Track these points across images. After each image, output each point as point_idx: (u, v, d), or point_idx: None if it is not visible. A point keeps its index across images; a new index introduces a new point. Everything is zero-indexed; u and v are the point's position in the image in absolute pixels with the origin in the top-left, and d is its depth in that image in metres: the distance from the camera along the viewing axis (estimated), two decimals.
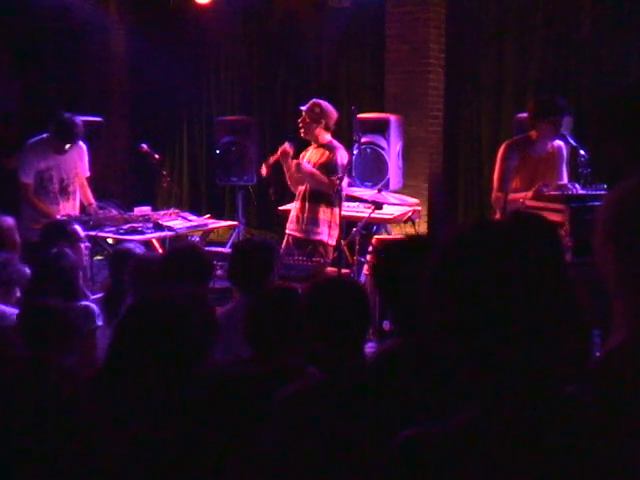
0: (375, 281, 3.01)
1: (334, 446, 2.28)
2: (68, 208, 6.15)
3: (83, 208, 6.39)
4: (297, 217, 6.11)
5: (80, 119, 6.09)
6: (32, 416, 1.31)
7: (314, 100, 6.13)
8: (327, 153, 6.02)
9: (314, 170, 5.97)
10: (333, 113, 6.10)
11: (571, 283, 1.25)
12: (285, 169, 6.13)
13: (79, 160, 6.25)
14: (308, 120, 6.05)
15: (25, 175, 5.98)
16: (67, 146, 5.98)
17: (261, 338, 2.87)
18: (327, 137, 6.09)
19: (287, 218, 6.34)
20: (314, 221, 6.03)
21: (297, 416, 2.36)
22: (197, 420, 2.28)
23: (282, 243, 6.15)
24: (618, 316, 1.58)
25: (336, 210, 5.92)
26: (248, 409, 2.50)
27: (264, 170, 6.24)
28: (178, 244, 5.76)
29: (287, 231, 6.20)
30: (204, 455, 2.20)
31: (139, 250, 4.60)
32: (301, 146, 6.24)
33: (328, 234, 6.01)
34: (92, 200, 6.40)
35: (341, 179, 5.74)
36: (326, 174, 5.93)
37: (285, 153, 6.04)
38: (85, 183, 6.38)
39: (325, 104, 6.10)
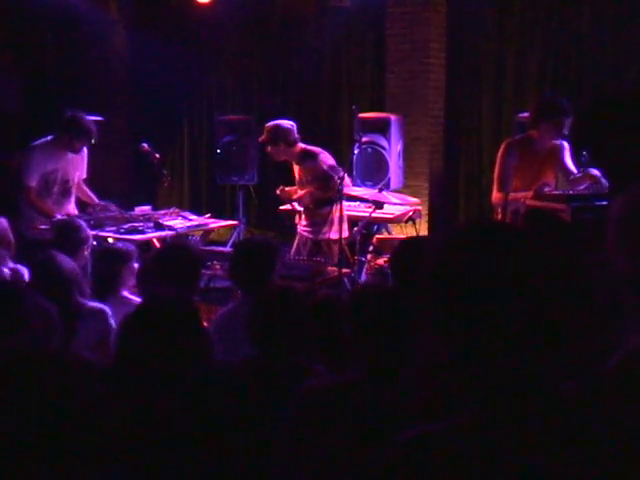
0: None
1: (356, 443, 2.28)
2: (70, 209, 6.23)
3: (82, 208, 6.44)
4: (306, 219, 6.18)
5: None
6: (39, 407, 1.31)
7: (265, 126, 6.14)
8: (310, 166, 6.03)
9: (308, 194, 6.03)
10: (288, 128, 6.06)
11: (577, 284, 1.25)
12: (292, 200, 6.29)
13: (81, 162, 6.34)
14: (269, 148, 6.09)
15: (30, 178, 5.99)
16: (92, 142, 6.12)
17: (266, 337, 2.87)
18: (297, 149, 6.07)
19: (287, 217, 6.39)
20: (320, 222, 6.08)
21: (320, 411, 2.35)
22: (203, 420, 2.28)
23: (295, 240, 6.24)
24: (633, 322, 1.58)
25: (337, 204, 5.97)
26: (256, 408, 2.49)
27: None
28: (167, 242, 5.78)
29: (300, 228, 6.23)
30: (210, 456, 2.20)
31: (124, 247, 4.56)
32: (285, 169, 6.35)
33: (335, 231, 6.04)
34: (95, 199, 6.46)
35: (341, 178, 5.73)
36: (324, 183, 5.96)
37: (284, 197, 6.21)
38: (82, 184, 6.43)
39: (276, 124, 6.08)
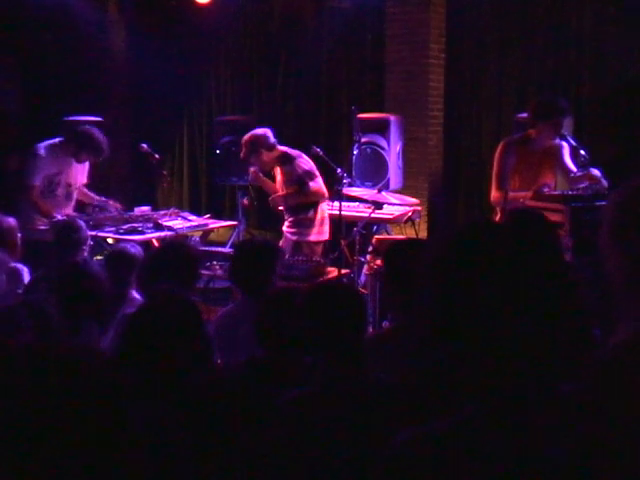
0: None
1: (332, 452, 2.28)
2: (70, 212, 6.27)
3: (82, 209, 6.49)
4: (290, 220, 6.28)
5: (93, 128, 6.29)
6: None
7: (242, 140, 6.26)
8: (288, 169, 6.13)
9: (285, 195, 6.14)
10: (262, 134, 6.19)
11: (570, 281, 1.26)
12: (264, 187, 6.48)
13: (82, 167, 6.42)
14: (253, 160, 6.21)
15: (34, 177, 6.05)
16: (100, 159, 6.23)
17: (273, 338, 2.87)
18: (277, 152, 6.18)
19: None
20: (303, 224, 6.18)
21: (297, 421, 2.36)
22: (206, 420, 2.28)
23: (280, 241, 6.27)
24: (624, 316, 1.58)
25: (321, 206, 6.17)
26: (260, 408, 2.50)
27: (245, 202, 6.48)
28: (165, 242, 5.79)
29: (284, 229, 6.31)
30: (212, 455, 2.20)
31: (135, 250, 4.58)
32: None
33: (315, 233, 6.15)
34: (95, 198, 6.55)
35: (317, 183, 5.92)
36: (297, 187, 6.07)
37: (254, 179, 6.36)
38: (83, 187, 6.51)
39: (250, 135, 6.21)
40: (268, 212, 8.51)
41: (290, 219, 6.24)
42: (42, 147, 6.15)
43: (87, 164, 6.44)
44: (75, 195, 6.36)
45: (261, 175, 6.32)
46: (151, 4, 9.92)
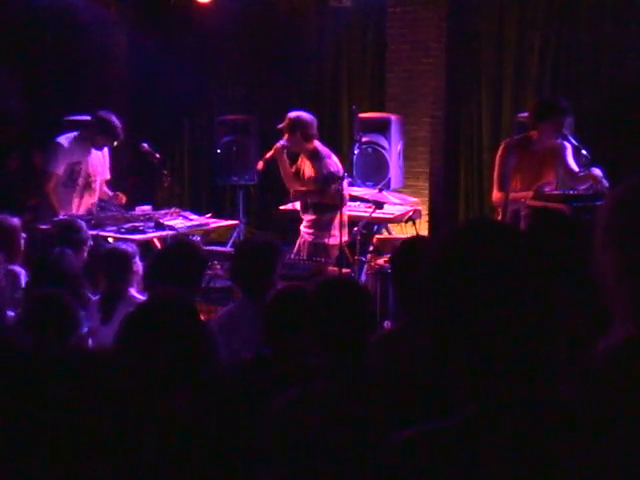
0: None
1: (331, 453, 2.28)
2: (90, 204, 6.45)
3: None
4: (307, 223, 6.20)
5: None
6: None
7: (288, 114, 6.15)
8: (316, 165, 6.03)
9: (307, 192, 6.06)
10: (309, 121, 6.08)
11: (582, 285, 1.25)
12: (280, 166, 6.24)
13: (103, 161, 6.58)
14: (287, 135, 6.08)
15: (57, 166, 6.25)
16: (115, 143, 6.43)
17: (280, 337, 2.86)
18: (311, 146, 6.08)
19: (288, 218, 6.42)
20: (320, 227, 6.09)
21: (295, 422, 2.35)
22: (211, 419, 2.28)
23: (297, 240, 6.25)
24: (616, 317, 1.58)
25: (343, 211, 6.00)
26: (265, 407, 2.50)
27: (260, 164, 6.34)
28: (174, 240, 5.80)
29: (302, 229, 6.24)
30: (215, 453, 2.20)
31: (130, 248, 4.58)
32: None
33: (335, 236, 6.06)
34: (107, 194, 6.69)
35: (340, 186, 5.79)
36: (320, 187, 5.98)
37: (278, 149, 6.12)
38: (104, 185, 6.67)
39: (297, 115, 6.09)
40: (269, 211, 8.53)
41: (309, 218, 6.13)
42: (62, 137, 6.35)
43: (107, 158, 6.58)
44: (96, 186, 6.48)
45: (285, 154, 6.19)
46: (151, 4, 9.92)
